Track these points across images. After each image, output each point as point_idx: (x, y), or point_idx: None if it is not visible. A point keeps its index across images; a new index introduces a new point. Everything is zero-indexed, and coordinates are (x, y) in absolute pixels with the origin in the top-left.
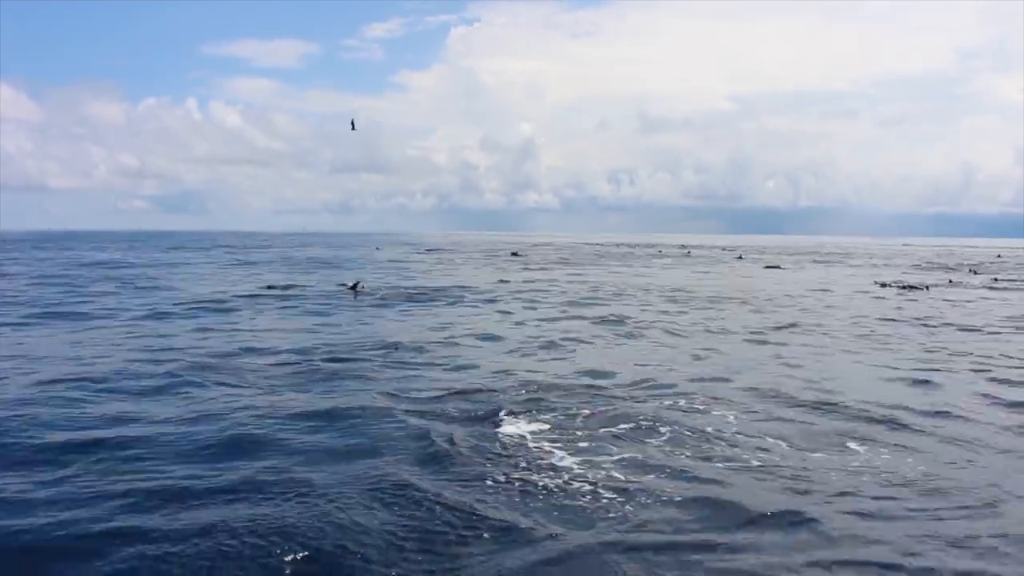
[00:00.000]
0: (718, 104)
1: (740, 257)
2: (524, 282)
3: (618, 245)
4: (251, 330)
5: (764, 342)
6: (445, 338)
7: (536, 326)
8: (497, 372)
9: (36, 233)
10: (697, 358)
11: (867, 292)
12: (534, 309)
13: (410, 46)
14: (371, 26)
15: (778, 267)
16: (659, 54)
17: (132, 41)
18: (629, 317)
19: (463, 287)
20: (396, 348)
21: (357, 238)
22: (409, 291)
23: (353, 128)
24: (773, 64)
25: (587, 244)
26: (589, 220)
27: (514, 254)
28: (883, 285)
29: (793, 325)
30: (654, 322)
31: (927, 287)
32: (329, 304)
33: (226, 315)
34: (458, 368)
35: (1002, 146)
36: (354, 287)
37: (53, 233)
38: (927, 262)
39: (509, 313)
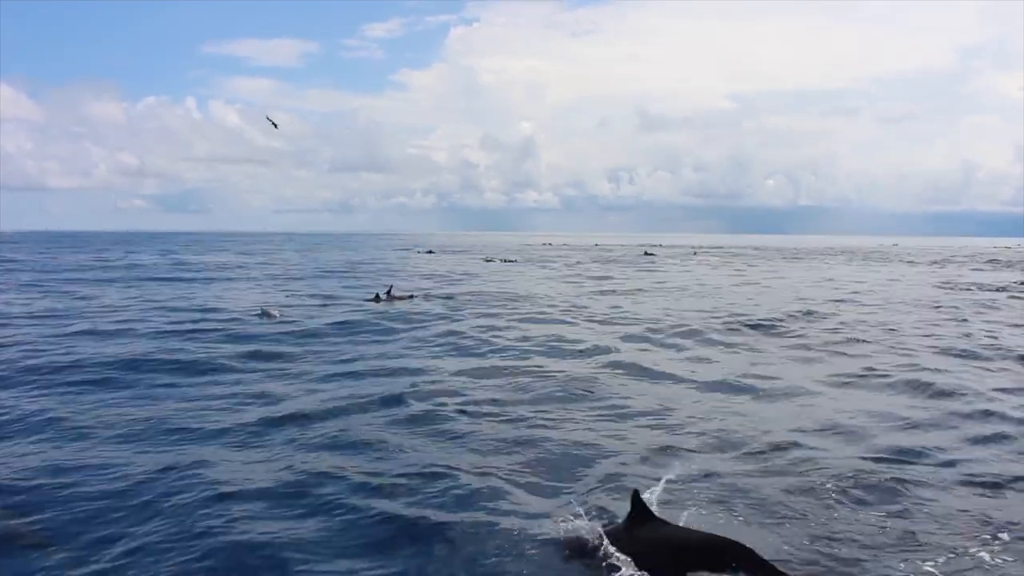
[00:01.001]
0: (718, 103)
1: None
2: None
3: (652, 247)
4: None
5: None
6: None
7: None
8: None
9: (38, 234)
10: None
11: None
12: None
13: (410, 45)
14: (371, 26)
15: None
16: (659, 53)
17: (132, 40)
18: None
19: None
20: None
21: (369, 239)
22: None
23: (275, 127)
24: (773, 63)
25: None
26: (589, 219)
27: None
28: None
29: None
30: None
31: None
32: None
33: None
34: None
35: (1002, 144)
36: None
37: (54, 234)
38: (987, 260)
39: None
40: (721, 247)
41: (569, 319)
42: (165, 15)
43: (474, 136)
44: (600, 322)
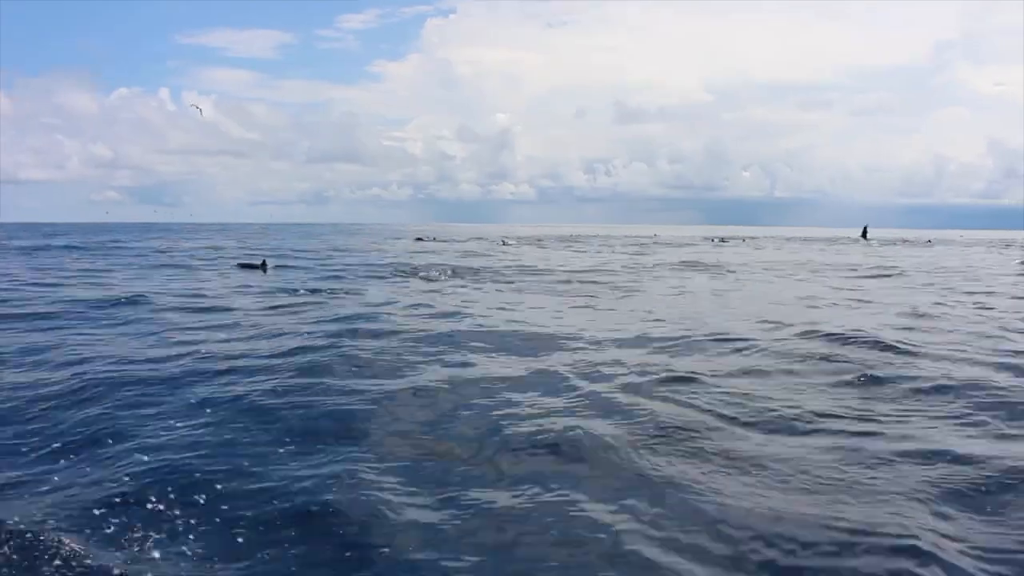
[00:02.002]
0: (695, 94)
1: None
2: None
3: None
4: None
5: None
6: None
7: None
8: None
9: (13, 226)
10: None
11: None
12: None
13: (386, 37)
14: (347, 16)
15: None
16: (636, 44)
17: (104, 30)
18: None
19: None
20: None
21: (361, 229)
22: None
23: (200, 112)
24: (750, 55)
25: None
26: (566, 211)
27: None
28: None
29: None
30: None
31: None
32: None
33: None
34: None
35: (974, 138)
36: None
37: (33, 226)
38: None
39: None
40: (738, 237)
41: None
42: (139, 4)
43: (450, 127)
44: None
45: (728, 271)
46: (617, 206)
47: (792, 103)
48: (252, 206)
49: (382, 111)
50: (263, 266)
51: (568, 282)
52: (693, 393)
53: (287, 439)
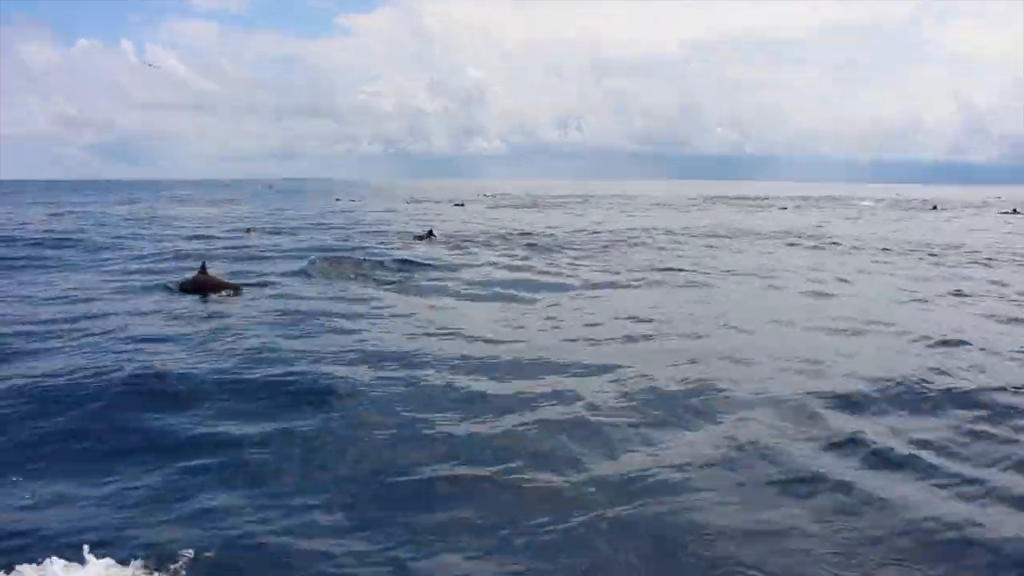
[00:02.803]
0: (669, 50)
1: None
2: None
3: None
4: None
5: None
6: None
7: None
8: None
9: None
10: None
11: None
12: None
13: None
14: None
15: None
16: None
17: None
18: None
19: None
20: None
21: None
22: None
23: (155, 67)
24: (725, 10)
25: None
26: (538, 166)
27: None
28: None
29: None
30: None
31: None
32: None
33: None
34: None
35: (945, 95)
36: None
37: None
38: None
39: None
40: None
41: None
42: None
43: (422, 82)
44: None
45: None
46: (589, 162)
47: (766, 58)
48: (221, 161)
49: (352, 65)
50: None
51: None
52: None
53: None
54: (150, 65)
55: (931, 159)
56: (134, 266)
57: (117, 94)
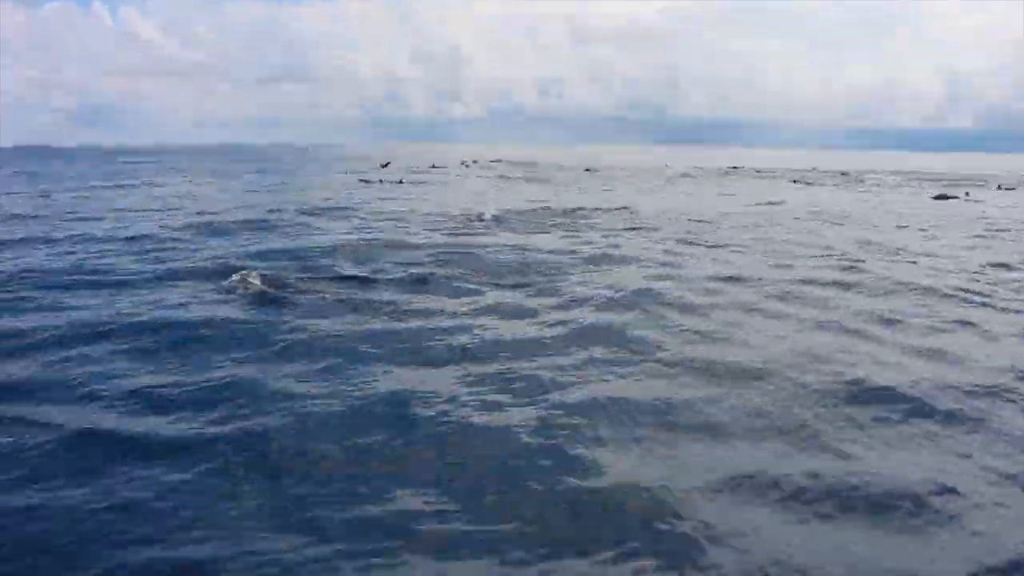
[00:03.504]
0: (650, 16)
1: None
2: None
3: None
4: None
5: None
6: None
7: None
8: None
9: None
10: None
11: None
12: None
13: None
14: None
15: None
16: None
17: None
18: None
19: None
20: None
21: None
22: None
23: None
24: None
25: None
26: (517, 131)
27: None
28: None
29: None
30: None
31: None
32: None
33: None
34: None
35: (925, 63)
36: None
37: None
38: None
39: None
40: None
41: None
42: None
43: (401, 47)
44: None
45: None
46: (568, 127)
47: (748, 26)
48: (197, 127)
49: (332, 30)
50: None
51: None
52: None
53: None
54: None
55: (912, 127)
56: None
57: (90, 59)
